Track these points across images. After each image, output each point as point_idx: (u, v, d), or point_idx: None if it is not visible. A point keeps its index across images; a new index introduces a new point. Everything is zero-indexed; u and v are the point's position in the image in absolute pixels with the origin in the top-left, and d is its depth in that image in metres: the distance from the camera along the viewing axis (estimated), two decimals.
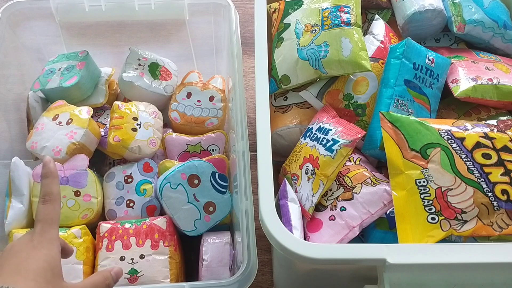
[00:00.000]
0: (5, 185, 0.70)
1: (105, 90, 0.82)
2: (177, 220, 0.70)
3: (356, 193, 0.59)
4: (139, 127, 0.75)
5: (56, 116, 0.75)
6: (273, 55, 0.71)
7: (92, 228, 0.71)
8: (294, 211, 0.62)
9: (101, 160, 0.80)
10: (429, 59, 0.66)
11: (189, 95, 0.82)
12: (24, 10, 0.79)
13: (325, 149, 0.62)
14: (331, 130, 0.64)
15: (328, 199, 0.62)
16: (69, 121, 0.74)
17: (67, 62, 0.82)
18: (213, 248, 0.69)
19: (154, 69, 0.83)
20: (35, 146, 0.73)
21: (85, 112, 0.75)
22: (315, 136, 0.65)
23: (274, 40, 0.73)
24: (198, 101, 0.81)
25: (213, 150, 0.79)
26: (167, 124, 0.82)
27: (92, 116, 0.76)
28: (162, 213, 0.73)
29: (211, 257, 0.68)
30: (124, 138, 0.73)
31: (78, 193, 0.71)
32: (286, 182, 0.67)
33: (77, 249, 0.66)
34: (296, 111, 0.72)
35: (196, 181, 0.71)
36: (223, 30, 0.82)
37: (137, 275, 0.65)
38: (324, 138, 0.64)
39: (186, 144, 0.78)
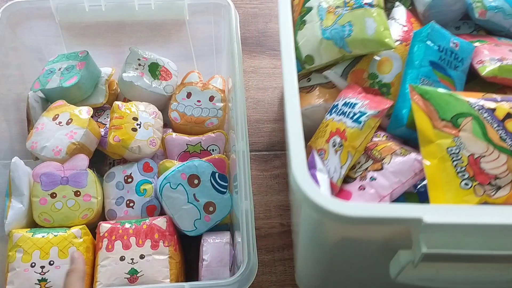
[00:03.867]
0: (5, 185, 0.70)
1: (105, 90, 0.82)
2: (177, 220, 0.70)
3: (385, 163, 0.59)
4: (139, 127, 0.75)
5: (56, 116, 0.75)
6: (295, 38, 0.70)
7: (92, 228, 0.71)
8: (323, 181, 0.60)
9: (101, 160, 0.80)
10: (453, 43, 0.65)
11: (189, 95, 0.82)
12: (24, 10, 0.79)
13: (352, 121, 0.62)
14: (357, 103, 0.63)
15: (356, 171, 0.61)
16: (69, 121, 0.74)
17: (67, 62, 0.82)
18: (213, 248, 0.69)
19: (154, 69, 0.83)
20: (35, 146, 0.73)
21: (85, 112, 0.75)
22: (342, 111, 0.65)
23: (296, 24, 0.72)
24: (198, 101, 0.81)
25: (213, 150, 0.79)
26: (167, 124, 0.82)
27: (92, 116, 0.76)
28: (162, 213, 0.73)
29: (211, 257, 0.68)
30: (124, 138, 0.73)
31: (78, 193, 0.70)
32: (315, 153, 0.66)
33: (77, 249, 0.66)
34: (320, 91, 0.72)
35: (196, 181, 0.71)
36: (223, 30, 0.82)
37: (137, 275, 0.65)
38: (351, 111, 0.63)
39: (186, 144, 0.78)
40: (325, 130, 0.66)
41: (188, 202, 0.70)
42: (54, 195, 0.70)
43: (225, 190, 0.72)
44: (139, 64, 0.82)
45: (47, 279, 0.64)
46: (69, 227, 0.69)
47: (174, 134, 0.79)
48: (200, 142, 0.78)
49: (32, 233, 0.67)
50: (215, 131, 0.80)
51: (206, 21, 0.83)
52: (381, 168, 0.59)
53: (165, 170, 0.74)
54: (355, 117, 0.62)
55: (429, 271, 0.50)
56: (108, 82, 0.84)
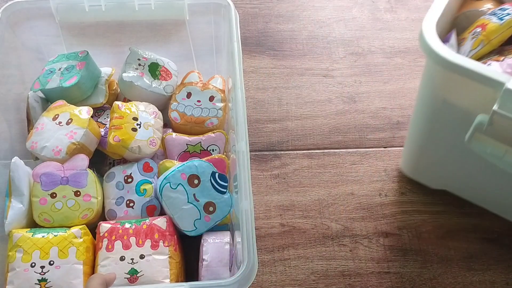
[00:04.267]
0: (5, 185, 0.70)
1: (105, 90, 0.82)
2: (177, 220, 0.70)
3: (508, 57, 0.62)
4: (139, 127, 0.75)
5: (56, 116, 0.75)
6: None
7: (92, 228, 0.71)
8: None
9: (101, 160, 0.80)
10: None
11: (189, 95, 0.82)
12: (24, 10, 0.79)
13: (497, 19, 0.64)
14: (509, 8, 0.65)
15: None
16: (69, 121, 0.74)
17: (67, 62, 0.82)
18: (213, 248, 0.69)
19: (154, 69, 0.83)
20: (35, 146, 0.73)
21: (85, 112, 0.75)
22: (494, 12, 0.67)
23: None
24: (198, 101, 0.81)
25: (213, 150, 0.79)
26: (167, 124, 0.82)
27: (92, 116, 0.76)
28: (162, 213, 0.73)
29: (211, 257, 0.68)
30: (124, 138, 0.73)
31: (78, 193, 0.71)
32: (454, 32, 0.68)
33: (77, 249, 0.66)
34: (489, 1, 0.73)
35: (196, 181, 0.71)
36: (223, 30, 0.82)
37: (137, 275, 0.65)
38: (501, 13, 0.65)
39: (186, 144, 0.78)
40: (474, 25, 0.69)
41: (188, 202, 0.70)
42: (54, 195, 0.70)
43: (225, 190, 0.72)
44: (139, 64, 0.82)
45: (47, 279, 0.64)
46: (69, 227, 0.69)
47: (174, 134, 0.79)
48: (200, 142, 0.78)
49: (32, 233, 0.67)
50: (215, 131, 0.80)
51: (206, 21, 0.83)
52: (502, 60, 0.62)
53: (165, 170, 0.74)
54: (501, 16, 0.65)
55: (498, 148, 0.58)
56: (108, 82, 0.84)
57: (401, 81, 1.00)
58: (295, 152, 0.91)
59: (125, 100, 0.84)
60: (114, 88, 0.86)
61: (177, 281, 0.66)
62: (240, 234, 0.65)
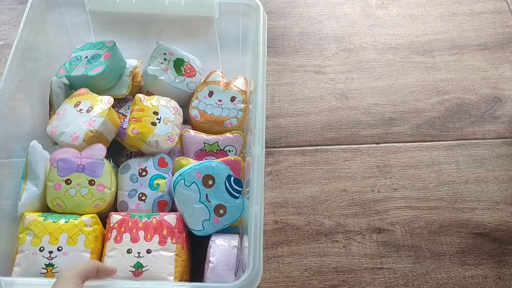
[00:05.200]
0: (22, 167, 0.71)
1: (128, 81, 0.83)
2: (186, 218, 0.70)
3: None
4: (159, 122, 0.75)
5: (78, 103, 0.76)
6: None
7: (103, 218, 0.71)
8: None
9: (118, 151, 0.81)
10: None
11: (211, 93, 0.81)
12: None
13: None
14: None
15: None
16: (90, 109, 0.74)
17: (93, 51, 0.82)
18: (220, 250, 0.69)
19: (179, 65, 0.83)
20: (55, 131, 0.73)
21: (106, 102, 0.76)
22: None
23: None
24: (219, 100, 0.81)
25: (229, 151, 0.79)
26: (187, 120, 0.82)
27: (113, 107, 0.77)
28: (173, 209, 0.73)
29: (218, 259, 0.68)
30: (143, 132, 0.73)
31: (93, 182, 0.71)
32: None
33: (86, 238, 0.67)
34: None
35: (210, 182, 0.70)
36: (251, 31, 0.81)
37: (142, 269, 0.65)
38: None
39: (204, 142, 0.78)
40: None
41: (199, 201, 0.70)
42: (69, 181, 0.71)
43: (238, 195, 0.71)
44: (165, 59, 0.82)
45: (54, 264, 0.65)
46: (80, 214, 0.69)
47: (192, 131, 0.79)
48: (218, 141, 0.78)
49: (44, 218, 0.67)
50: (233, 132, 0.79)
51: (234, 21, 0.82)
52: None
53: (180, 167, 0.74)
54: None
55: None
56: (132, 74, 0.84)
57: (393, 77, 1.00)
58: (287, 149, 0.92)
59: (148, 93, 0.84)
60: (138, 80, 0.86)
61: (181, 280, 0.66)
62: (248, 239, 0.65)
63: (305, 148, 0.92)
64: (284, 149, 0.91)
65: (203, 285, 0.58)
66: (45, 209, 0.71)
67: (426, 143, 0.92)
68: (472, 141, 0.92)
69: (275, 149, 0.91)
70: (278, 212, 0.85)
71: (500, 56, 1.03)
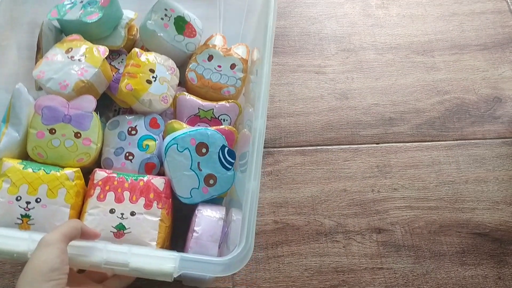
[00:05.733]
0: (4, 110, 0.66)
1: (124, 33, 0.78)
2: (174, 184, 0.67)
3: None
4: (154, 81, 0.71)
5: (70, 49, 0.71)
6: None
7: (84, 173, 0.67)
8: None
9: (106, 104, 0.77)
10: None
11: (210, 58, 0.78)
12: None
13: None
14: None
15: None
16: (83, 57, 0.70)
17: None
18: (206, 221, 0.66)
19: (180, 23, 0.79)
20: (42, 76, 0.69)
21: (101, 52, 0.71)
22: None
23: None
24: (219, 66, 0.78)
25: (224, 120, 0.76)
26: (182, 83, 0.78)
27: (105, 58, 0.72)
28: (160, 173, 0.70)
29: (203, 230, 0.65)
30: (137, 88, 0.69)
31: (79, 134, 0.67)
32: None
33: (67, 192, 0.63)
34: None
35: (204, 150, 0.68)
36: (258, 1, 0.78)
37: (124, 231, 0.62)
38: None
39: (198, 108, 0.75)
40: None
41: (190, 168, 0.67)
42: (54, 131, 0.66)
43: (230, 167, 0.69)
44: (165, 15, 0.78)
45: (30, 215, 0.61)
46: (62, 167, 0.65)
47: (187, 95, 0.75)
48: (213, 109, 0.75)
49: (23, 166, 0.63)
50: (230, 100, 0.76)
51: None
52: None
53: (172, 131, 0.71)
54: None
55: None
56: (128, 26, 0.79)
57: (393, 77, 1.00)
58: (287, 149, 0.91)
59: (143, 48, 0.80)
60: (133, 33, 0.82)
61: (163, 246, 0.64)
62: (238, 213, 0.63)
63: (305, 148, 0.91)
64: (284, 149, 0.90)
65: (193, 257, 0.55)
66: (24, 157, 0.67)
67: (426, 143, 0.92)
68: (472, 141, 0.92)
69: (275, 149, 0.90)
70: (278, 212, 0.84)
71: (500, 56, 1.03)
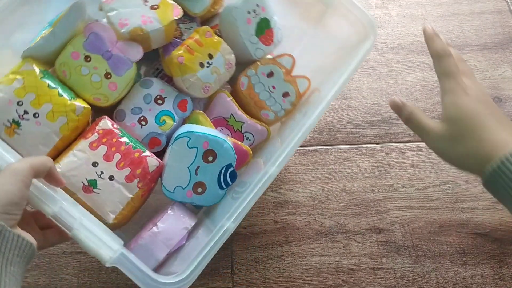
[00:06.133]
0: (54, 16, 0.63)
1: (208, 3, 0.74)
2: (165, 172, 0.64)
3: None
4: (207, 67, 0.68)
5: None
6: None
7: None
8: None
9: (151, 58, 0.73)
10: None
11: (270, 74, 0.74)
12: None
13: None
14: None
15: None
16: (155, 6, 0.66)
17: None
18: (172, 223, 0.63)
19: (262, 25, 0.74)
20: (109, 2, 0.65)
21: (175, 11, 0.67)
22: None
23: None
24: (273, 87, 0.74)
25: (247, 138, 0.73)
26: (230, 81, 0.75)
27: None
28: (160, 153, 0.67)
29: (164, 229, 0.63)
30: (187, 65, 0.66)
31: (109, 76, 0.64)
32: None
33: (67, 123, 0.61)
34: None
35: (210, 158, 0.64)
36: (349, 41, 0.73)
37: (93, 190, 0.60)
38: None
39: (231, 114, 0.71)
40: None
41: (188, 167, 0.64)
42: (89, 59, 0.64)
43: (225, 187, 0.66)
44: (254, 11, 0.73)
45: (21, 125, 0.59)
46: (76, 96, 0.63)
47: (229, 96, 0.72)
48: (244, 122, 0.72)
49: (42, 76, 0.61)
50: (263, 124, 0.73)
51: (340, 23, 0.74)
52: None
53: (195, 122, 0.68)
54: None
55: None
56: None
57: (393, 77, 0.99)
58: None
59: (215, 28, 0.76)
60: (216, 7, 0.78)
61: (119, 224, 0.62)
62: (204, 234, 0.61)
63: (305, 148, 0.91)
64: None
65: (131, 259, 0.53)
66: (48, 66, 0.64)
67: None
68: None
69: None
70: (278, 212, 0.84)
71: (500, 56, 1.01)
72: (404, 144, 0.91)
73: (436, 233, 0.83)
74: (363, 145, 0.91)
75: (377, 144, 0.92)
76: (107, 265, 0.51)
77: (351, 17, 0.70)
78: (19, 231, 0.47)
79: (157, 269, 0.62)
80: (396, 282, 0.79)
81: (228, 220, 0.56)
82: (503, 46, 1.03)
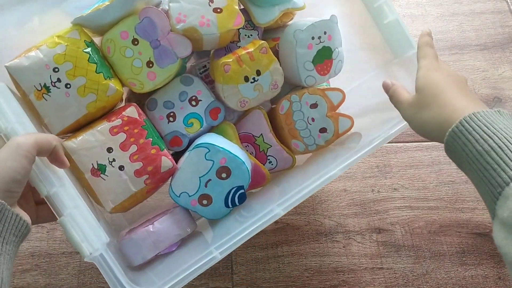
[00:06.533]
0: None
1: (276, 16, 0.70)
2: (176, 175, 0.63)
3: None
4: (252, 82, 0.65)
5: None
6: None
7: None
8: None
9: (201, 55, 0.71)
10: None
11: (313, 106, 0.70)
12: None
13: None
14: None
15: None
16: (219, 10, 0.64)
17: None
18: (168, 226, 0.63)
19: (322, 55, 0.70)
20: None
21: (237, 21, 0.64)
22: None
23: None
24: (313, 119, 0.70)
25: (270, 162, 0.70)
26: (272, 100, 0.72)
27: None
28: (178, 154, 0.66)
29: (159, 230, 0.62)
30: (231, 76, 0.64)
31: (151, 65, 0.63)
32: None
33: (96, 100, 0.60)
34: None
35: (224, 175, 0.63)
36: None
37: (101, 175, 0.60)
38: None
39: (261, 134, 0.69)
40: None
41: (199, 177, 0.63)
42: (136, 42, 0.62)
43: (231, 207, 0.64)
44: (319, 37, 0.69)
45: (51, 91, 0.58)
46: (113, 75, 0.62)
47: (265, 116, 0.69)
48: (271, 146, 0.70)
49: (86, 47, 0.59)
50: (290, 153, 0.70)
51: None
52: None
53: (221, 132, 0.66)
54: None
55: None
56: (286, 12, 0.71)
57: None
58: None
59: (276, 40, 0.73)
60: (284, 21, 0.74)
61: (116, 211, 0.61)
62: (194, 248, 0.60)
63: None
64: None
65: (110, 261, 0.52)
66: (97, 35, 0.64)
67: (426, 143, 0.90)
68: None
69: None
70: None
71: (500, 56, 1.01)
72: (404, 144, 0.91)
73: (436, 233, 0.82)
74: None
75: None
76: (86, 259, 0.51)
77: (414, 75, 0.65)
78: (17, 210, 0.47)
79: (142, 265, 0.62)
80: (396, 282, 0.78)
81: (216, 250, 0.55)
82: (503, 46, 1.01)
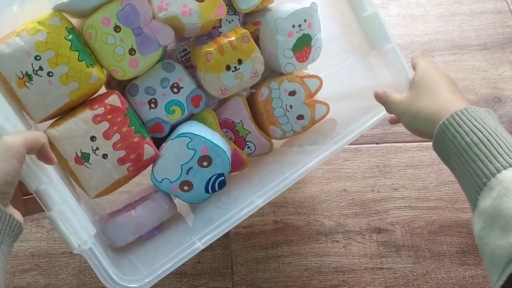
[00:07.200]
0: None
1: (256, 2, 0.71)
2: (158, 163, 0.65)
3: None
4: (233, 71, 0.66)
5: None
6: None
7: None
8: None
9: (182, 38, 0.71)
10: None
11: (292, 93, 0.72)
12: None
13: None
14: None
15: None
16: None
17: None
18: (150, 211, 0.65)
19: (302, 42, 0.71)
20: None
21: (218, 11, 0.64)
22: None
23: None
24: (291, 106, 0.72)
25: (248, 147, 0.73)
26: (249, 89, 0.73)
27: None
28: (159, 141, 0.67)
29: (141, 215, 0.65)
30: (213, 64, 0.65)
31: (133, 52, 0.62)
32: None
33: (78, 89, 0.60)
34: None
35: (205, 164, 0.65)
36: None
37: (84, 163, 0.61)
38: None
39: (241, 120, 0.71)
40: None
41: (181, 165, 0.65)
42: (118, 30, 0.61)
43: (210, 193, 0.67)
44: (299, 25, 0.70)
45: (32, 79, 0.57)
46: (95, 62, 0.62)
47: (245, 102, 0.71)
48: (251, 132, 0.72)
49: (68, 34, 0.58)
50: (268, 138, 0.73)
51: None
52: None
53: (203, 120, 0.68)
54: None
55: None
56: (262, 2, 0.72)
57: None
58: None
59: (257, 24, 0.73)
60: (265, 5, 0.74)
61: (100, 196, 0.63)
62: (174, 231, 0.62)
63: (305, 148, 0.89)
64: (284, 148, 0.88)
65: (98, 255, 0.54)
66: (79, 22, 0.63)
67: (426, 143, 0.90)
68: None
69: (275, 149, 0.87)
70: (278, 212, 0.84)
71: (500, 56, 1.02)
72: (404, 144, 0.91)
73: (436, 233, 0.83)
74: (363, 145, 0.91)
75: (377, 144, 0.91)
76: (74, 251, 0.53)
77: (392, 68, 0.68)
78: (11, 210, 0.47)
79: (125, 247, 0.65)
80: (396, 282, 0.79)
81: (199, 241, 0.58)
82: (503, 46, 1.03)
